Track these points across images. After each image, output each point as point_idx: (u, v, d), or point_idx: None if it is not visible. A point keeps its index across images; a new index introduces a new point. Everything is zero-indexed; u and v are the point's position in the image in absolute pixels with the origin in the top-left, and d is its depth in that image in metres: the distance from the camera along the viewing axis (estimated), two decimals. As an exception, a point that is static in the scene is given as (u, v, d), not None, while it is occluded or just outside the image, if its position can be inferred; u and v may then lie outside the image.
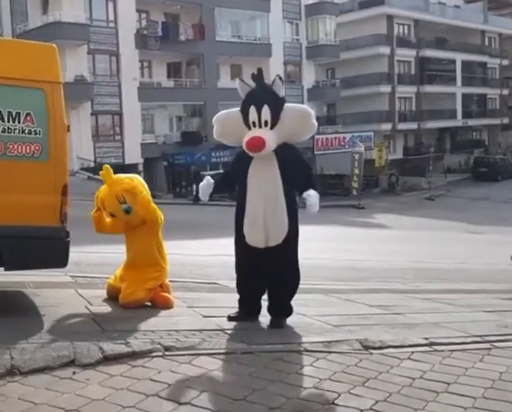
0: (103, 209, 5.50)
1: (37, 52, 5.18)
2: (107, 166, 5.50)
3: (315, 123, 4.79)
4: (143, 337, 4.19)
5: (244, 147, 4.65)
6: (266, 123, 4.60)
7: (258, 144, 4.54)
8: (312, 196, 4.61)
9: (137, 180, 5.51)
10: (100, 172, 5.45)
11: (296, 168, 4.72)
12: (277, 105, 4.64)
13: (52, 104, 5.00)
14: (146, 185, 5.57)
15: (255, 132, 4.60)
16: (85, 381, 3.36)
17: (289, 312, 4.89)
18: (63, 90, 5.15)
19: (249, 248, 4.72)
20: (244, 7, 34.80)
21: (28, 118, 4.89)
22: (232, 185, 5.32)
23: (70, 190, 5.15)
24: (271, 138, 4.57)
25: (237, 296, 5.02)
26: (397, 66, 43.71)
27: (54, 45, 5.24)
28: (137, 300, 5.21)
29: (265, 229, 4.64)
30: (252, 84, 4.77)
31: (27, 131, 4.89)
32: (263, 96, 4.64)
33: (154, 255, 5.44)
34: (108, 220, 5.61)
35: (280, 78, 4.71)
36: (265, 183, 4.66)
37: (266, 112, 4.59)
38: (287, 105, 4.75)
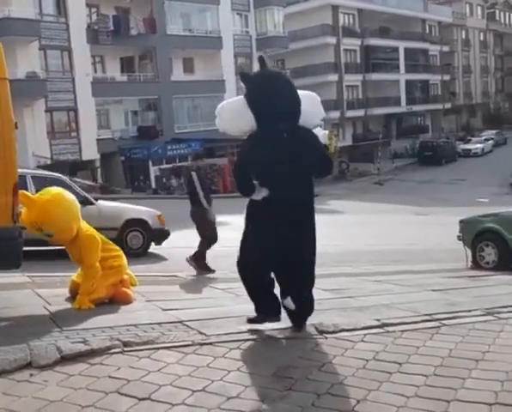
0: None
1: None
2: (23, 192, 5.15)
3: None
4: (101, 334, 4.17)
5: None
6: None
7: None
8: None
9: (55, 201, 5.18)
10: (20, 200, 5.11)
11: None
12: None
13: None
14: (72, 198, 5.35)
15: None
16: (43, 383, 3.30)
17: None
18: (9, 86, 4.96)
19: None
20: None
21: None
22: None
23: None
24: None
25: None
26: (343, 55, 44.35)
27: None
28: (99, 298, 5.21)
29: None
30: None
31: None
32: None
33: (94, 265, 5.31)
34: None
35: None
36: None
37: None
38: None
